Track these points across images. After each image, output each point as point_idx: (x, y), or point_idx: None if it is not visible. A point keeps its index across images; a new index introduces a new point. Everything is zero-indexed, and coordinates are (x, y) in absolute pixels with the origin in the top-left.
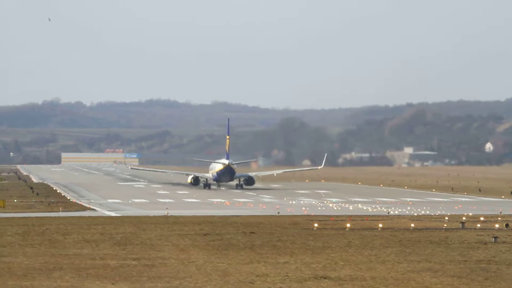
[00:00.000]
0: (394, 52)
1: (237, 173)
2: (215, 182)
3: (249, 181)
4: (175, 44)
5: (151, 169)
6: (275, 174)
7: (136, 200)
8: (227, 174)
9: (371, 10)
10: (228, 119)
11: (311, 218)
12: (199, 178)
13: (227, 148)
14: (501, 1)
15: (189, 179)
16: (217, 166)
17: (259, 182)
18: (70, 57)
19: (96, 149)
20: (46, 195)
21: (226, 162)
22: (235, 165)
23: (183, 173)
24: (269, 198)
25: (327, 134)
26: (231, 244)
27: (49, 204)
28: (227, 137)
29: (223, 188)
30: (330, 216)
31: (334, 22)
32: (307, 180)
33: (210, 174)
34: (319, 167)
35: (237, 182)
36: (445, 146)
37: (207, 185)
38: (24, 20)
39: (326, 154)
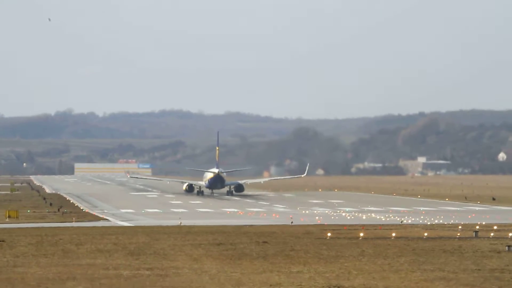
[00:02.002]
0: (407, 61)
1: (228, 181)
2: (207, 189)
3: (239, 188)
4: (188, 54)
5: (148, 178)
6: (262, 182)
7: (149, 210)
8: (217, 182)
9: (384, 18)
10: (218, 132)
11: (324, 228)
12: (193, 185)
13: (217, 158)
14: None
15: (184, 186)
16: (208, 175)
17: (250, 189)
18: (83, 68)
19: (109, 159)
20: (59, 205)
21: (216, 171)
22: (224, 173)
23: (178, 181)
24: (282, 207)
25: (340, 144)
26: (244, 253)
27: (62, 214)
28: (217, 148)
29: (216, 195)
30: (344, 225)
31: (347, 31)
32: (320, 190)
33: (203, 182)
34: (302, 176)
35: (228, 189)
36: (458, 155)
37: (200, 192)
38: (37, 31)
39: (308, 164)
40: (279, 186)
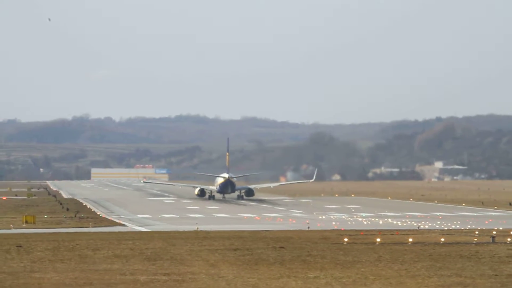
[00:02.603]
0: (424, 66)
1: (238, 186)
2: (219, 194)
3: (249, 192)
4: (205, 60)
5: (160, 183)
6: (272, 187)
7: (166, 215)
8: (228, 186)
9: (401, 21)
10: (228, 138)
11: (341, 233)
12: (205, 190)
13: (227, 163)
14: None
15: (196, 191)
16: (219, 180)
17: (267, 194)
18: (100, 73)
19: (125, 164)
20: (76, 210)
21: (227, 176)
22: (235, 178)
23: (190, 186)
24: (298, 212)
25: (357, 149)
26: (261, 259)
27: (79, 219)
28: (227, 153)
29: (231, 200)
30: (360, 230)
31: (364, 34)
32: (336, 195)
33: (214, 187)
34: (311, 181)
35: (238, 194)
36: (475, 161)
37: (211, 197)
38: (55, 36)
39: (316, 169)
40: (295, 191)
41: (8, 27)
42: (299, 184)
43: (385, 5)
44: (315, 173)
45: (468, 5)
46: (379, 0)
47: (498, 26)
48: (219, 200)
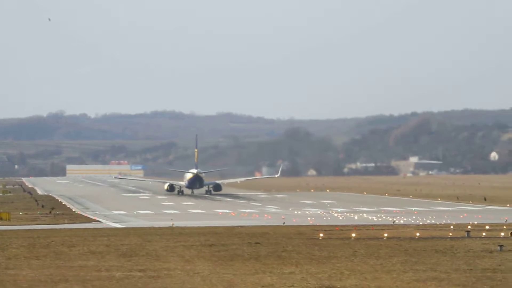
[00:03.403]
0: (398, 61)
1: (206, 181)
2: (188, 189)
3: (217, 187)
4: (180, 56)
5: (132, 178)
6: (238, 182)
7: (141, 212)
8: (196, 182)
9: (375, 20)
10: (196, 135)
11: (316, 228)
12: (174, 185)
13: (195, 159)
14: (502, 11)
15: (166, 186)
16: (188, 175)
17: (228, 188)
18: (75, 70)
19: (101, 161)
20: (51, 207)
21: (195, 171)
22: (203, 174)
23: (160, 181)
24: (274, 208)
25: (332, 144)
26: (236, 254)
27: (54, 216)
28: (196, 150)
29: (196, 194)
30: (336, 226)
31: (339, 31)
32: (312, 190)
33: (183, 182)
34: (276, 176)
35: (207, 189)
36: (450, 155)
37: (180, 192)
38: (29, 33)
39: (281, 164)
40: (270, 186)
41: None
42: (276, 179)
43: (362, 2)
44: (280, 169)
45: (444, 4)
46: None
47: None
48: (194, 196)
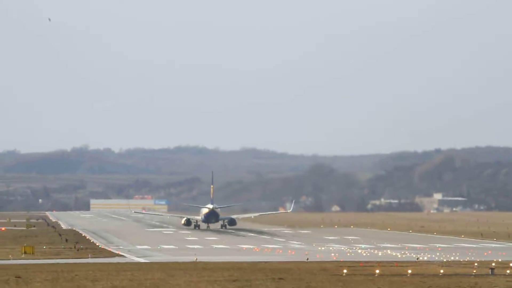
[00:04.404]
0: (422, 97)
1: (221, 216)
2: (204, 223)
3: (231, 222)
4: (205, 90)
5: (151, 213)
6: (252, 217)
7: (165, 246)
8: (212, 216)
9: (397, 52)
10: (212, 172)
11: (340, 264)
12: (191, 220)
13: (211, 195)
14: None
15: (183, 221)
16: (204, 210)
17: (244, 223)
18: (99, 104)
19: (125, 195)
20: (75, 241)
21: (211, 206)
22: (219, 209)
23: (177, 216)
24: (298, 244)
25: (356, 180)
26: None
27: (78, 250)
28: (212, 186)
29: (212, 228)
30: (359, 262)
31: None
32: (335, 226)
33: (199, 217)
34: (289, 211)
35: (222, 223)
36: (474, 192)
37: (197, 226)
38: (53, 67)
39: (293, 200)
40: (294, 222)
41: (8, 59)
42: (300, 214)
43: (383, 35)
44: (292, 205)
45: (471, 35)
46: (377, 31)
47: (495, 57)
48: (217, 231)
